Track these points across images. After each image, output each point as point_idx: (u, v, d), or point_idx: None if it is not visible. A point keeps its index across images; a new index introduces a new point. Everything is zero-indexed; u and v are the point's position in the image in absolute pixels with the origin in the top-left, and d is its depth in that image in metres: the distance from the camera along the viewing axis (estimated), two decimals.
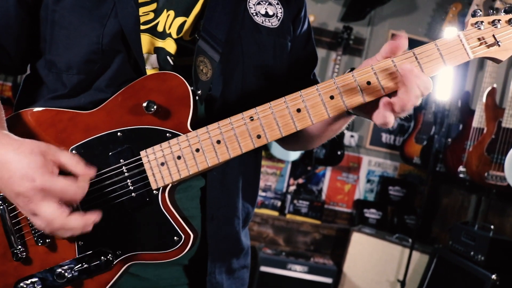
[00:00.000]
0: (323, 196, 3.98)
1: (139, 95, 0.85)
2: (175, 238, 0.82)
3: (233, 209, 1.00)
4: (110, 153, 0.84)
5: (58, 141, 0.86)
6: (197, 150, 0.81)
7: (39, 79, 0.97)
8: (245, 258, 1.11)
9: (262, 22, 1.02)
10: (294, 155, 3.77)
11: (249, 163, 1.05)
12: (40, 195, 0.74)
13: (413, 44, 0.78)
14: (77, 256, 0.84)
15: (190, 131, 0.83)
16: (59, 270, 0.83)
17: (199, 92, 0.88)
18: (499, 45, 0.82)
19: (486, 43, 0.82)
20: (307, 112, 0.81)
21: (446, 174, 3.26)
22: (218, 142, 0.81)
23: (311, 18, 3.66)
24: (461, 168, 2.89)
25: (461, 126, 3.11)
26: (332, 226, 3.80)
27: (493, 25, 0.82)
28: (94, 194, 0.84)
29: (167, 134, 0.83)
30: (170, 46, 0.94)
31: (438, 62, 0.81)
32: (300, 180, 4.04)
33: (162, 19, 0.94)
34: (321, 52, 3.91)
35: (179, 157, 0.81)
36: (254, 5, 1.03)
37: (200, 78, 0.90)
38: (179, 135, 0.83)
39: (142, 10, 0.93)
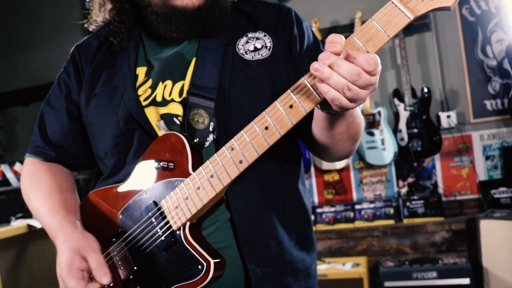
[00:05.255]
0: (441, 190, 3.80)
1: (151, 158, 1.12)
2: (199, 266, 1.02)
3: (267, 232, 1.14)
4: (142, 209, 1.11)
5: (111, 208, 1.18)
6: (198, 188, 1.03)
7: (99, 169, 1.33)
8: (306, 280, 1.21)
9: (252, 57, 1.17)
10: (388, 157, 3.72)
11: (272, 186, 1.17)
12: (63, 282, 1.10)
13: None
14: None
15: (191, 174, 1.05)
16: None
17: (195, 140, 1.10)
18: None
19: None
20: (274, 127, 0.95)
21: None
22: (212, 176, 1.01)
23: (359, 14, 3.69)
24: None
25: None
26: (458, 219, 3.57)
27: None
28: (138, 243, 1.11)
29: (176, 182, 1.07)
30: (175, 109, 1.17)
31: (380, 35, 0.85)
32: (410, 179, 3.93)
33: (159, 91, 1.19)
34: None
35: (187, 198, 1.04)
36: (242, 45, 1.19)
37: (196, 128, 1.12)
38: (184, 180, 1.06)
39: (141, 90, 1.20)
